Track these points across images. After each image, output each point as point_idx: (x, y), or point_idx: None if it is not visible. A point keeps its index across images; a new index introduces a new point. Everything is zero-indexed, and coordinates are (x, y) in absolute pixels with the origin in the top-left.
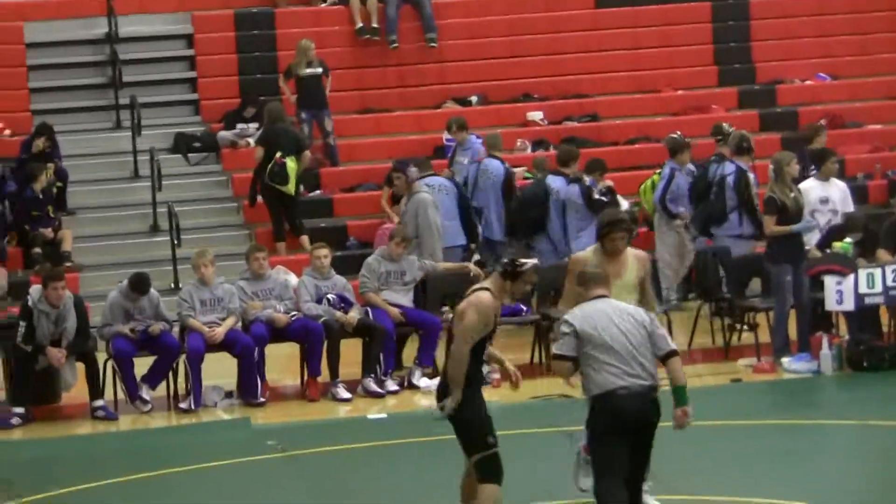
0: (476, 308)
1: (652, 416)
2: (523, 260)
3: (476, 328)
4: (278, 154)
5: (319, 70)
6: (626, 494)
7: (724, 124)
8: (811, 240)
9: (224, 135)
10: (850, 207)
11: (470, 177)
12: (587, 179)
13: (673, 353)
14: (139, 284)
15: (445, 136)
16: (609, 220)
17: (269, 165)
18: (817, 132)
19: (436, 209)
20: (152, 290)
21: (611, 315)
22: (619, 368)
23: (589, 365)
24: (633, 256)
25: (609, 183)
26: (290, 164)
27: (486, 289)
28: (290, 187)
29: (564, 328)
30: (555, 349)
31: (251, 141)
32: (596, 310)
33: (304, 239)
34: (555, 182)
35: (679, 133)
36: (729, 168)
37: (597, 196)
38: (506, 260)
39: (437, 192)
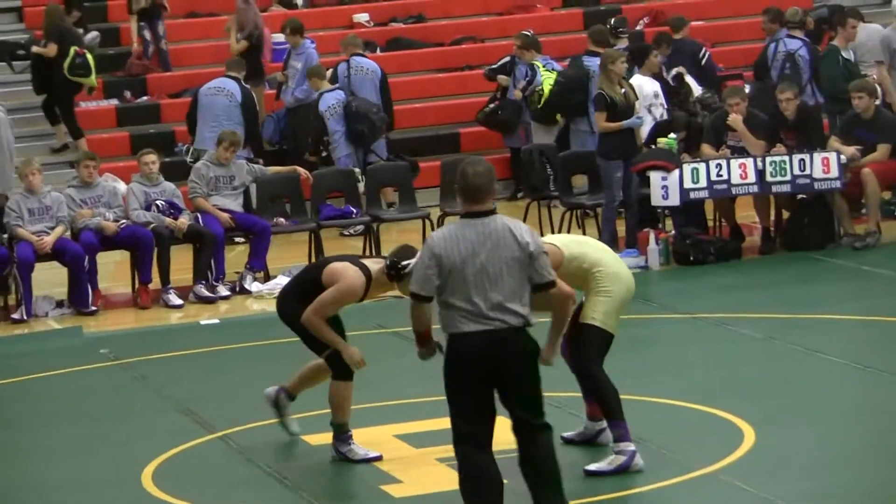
0: (338, 289)
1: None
2: (406, 262)
3: (329, 306)
4: (77, 48)
5: None
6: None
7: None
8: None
9: None
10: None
11: (340, 75)
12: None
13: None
14: None
15: (276, 38)
16: None
17: (71, 59)
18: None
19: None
20: None
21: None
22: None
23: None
24: None
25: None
26: (90, 56)
27: (366, 271)
28: (93, 79)
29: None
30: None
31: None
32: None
33: (83, 142)
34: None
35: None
36: None
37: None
38: (389, 262)
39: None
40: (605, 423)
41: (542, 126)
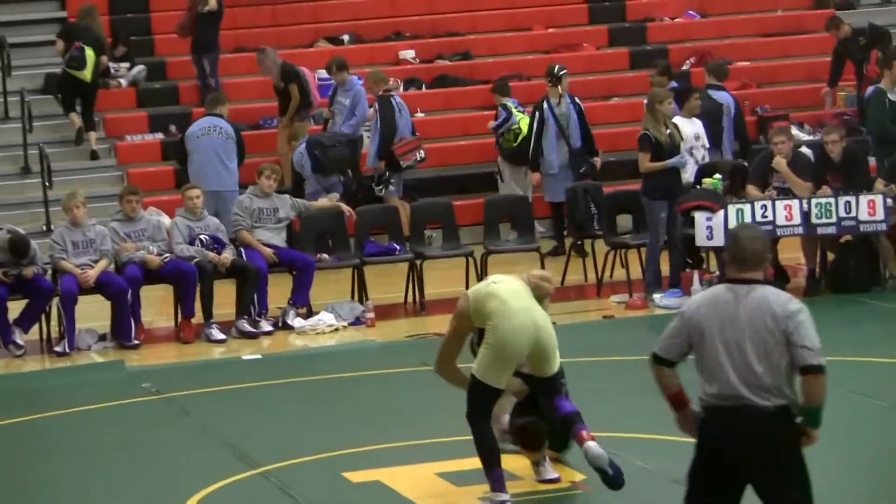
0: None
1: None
2: None
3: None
4: (76, 42)
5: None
6: None
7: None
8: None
9: None
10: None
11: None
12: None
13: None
14: (18, 247)
15: (321, 74)
16: None
17: (69, 52)
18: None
19: None
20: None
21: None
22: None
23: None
24: None
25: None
26: (90, 52)
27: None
28: (87, 73)
29: None
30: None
31: (123, 81)
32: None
33: (93, 135)
34: (722, 97)
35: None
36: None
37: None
38: None
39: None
40: (589, 444)
41: (512, 166)
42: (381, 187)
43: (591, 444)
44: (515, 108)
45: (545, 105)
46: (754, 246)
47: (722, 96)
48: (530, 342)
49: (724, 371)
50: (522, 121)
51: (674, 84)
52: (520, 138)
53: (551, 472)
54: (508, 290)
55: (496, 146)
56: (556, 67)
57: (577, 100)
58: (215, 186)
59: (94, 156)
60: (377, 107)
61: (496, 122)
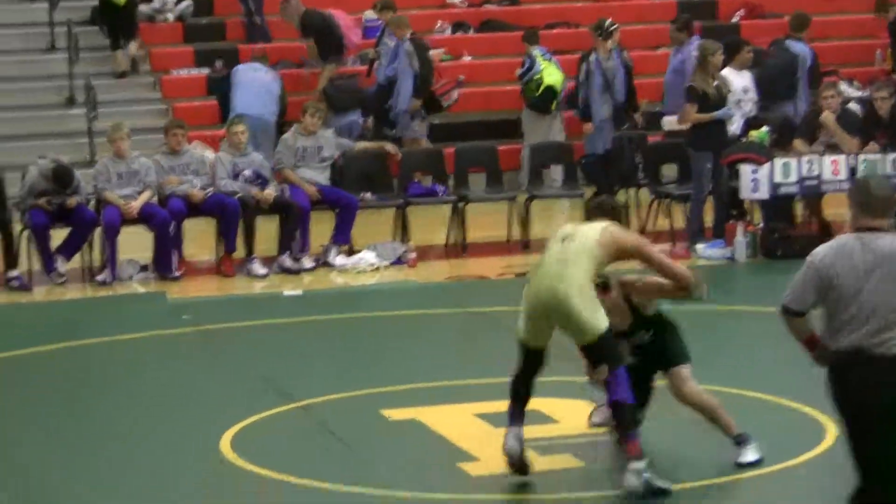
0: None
1: None
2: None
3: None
4: None
5: None
6: None
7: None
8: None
9: (142, 9)
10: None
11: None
12: None
13: None
14: (62, 176)
15: (367, 15)
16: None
17: None
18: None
19: None
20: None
21: None
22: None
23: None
24: None
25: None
26: None
27: None
28: None
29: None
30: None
31: (170, 16)
32: None
33: (132, 45)
34: (799, 48)
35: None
36: None
37: None
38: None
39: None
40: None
41: (535, 114)
42: (400, 128)
43: (629, 476)
44: (542, 56)
45: (593, 58)
46: (884, 194)
47: (799, 47)
48: (545, 309)
49: (859, 319)
50: (546, 70)
51: (696, 38)
52: (541, 88)
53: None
54: (556, 245)
55: (521, 95)
56: (607, 22)
57: (625, 54)
58: (260, 111)
59: (133, 66)
60: (411, 49)
61: (521, 71)
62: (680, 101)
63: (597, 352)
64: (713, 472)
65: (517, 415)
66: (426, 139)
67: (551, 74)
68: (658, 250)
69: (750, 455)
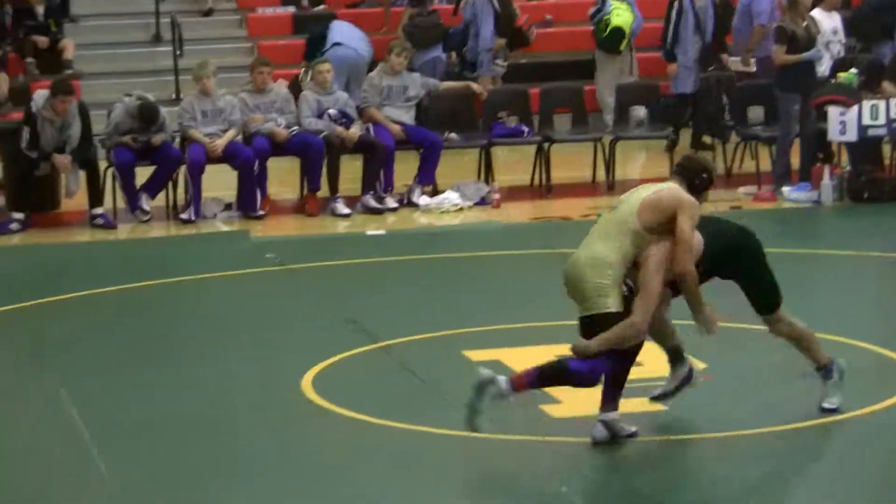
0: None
1: None
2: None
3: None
4: None
5: None
6: None
7: None
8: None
9: None
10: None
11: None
12: None
13: None
14: (148, 114)
15: None
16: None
17: None
18: None
19: None
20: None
21: None
22: None
23: None
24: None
25: None
26: None
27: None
28: None
29: None
30: None
31: None
32: None
33: None
34: None
35: None
36: None
37: None
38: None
39: None
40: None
41: (605, 54)
42: (482, 68)
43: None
44: None
45: None
46: None
47: None
48: (565, 282)
49: None
50: (616, 10)
51: None
52: (609, 28)
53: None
54: (605, 214)
55: (592, 35)
56: None
57: None
58: (356, 45)
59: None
60: None
61: (592, 10)
62: (746, 43)
63: (590, 328)
64: (798, 417)
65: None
66: (500, 80)
67: (620, 15)
68: (691, 232)
69: (834, 401)
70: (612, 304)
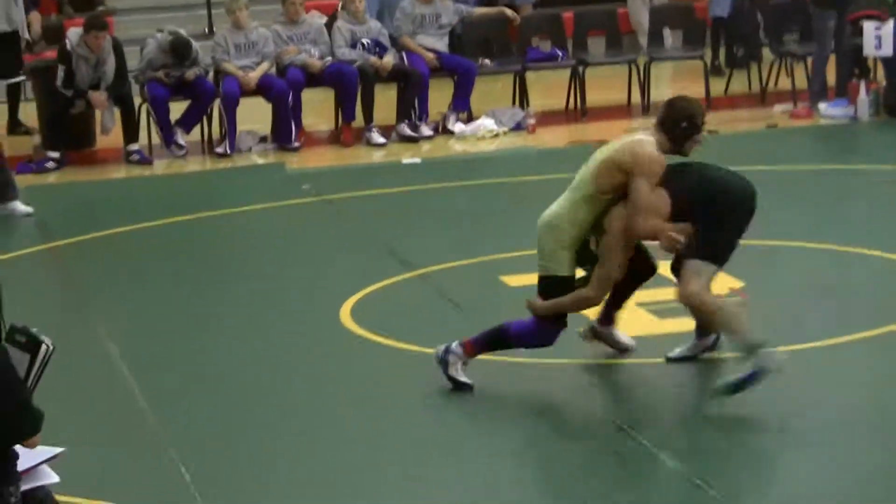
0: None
1: None
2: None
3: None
4: None
5: None
6: None
7: None
8: None
9: None
10: None
11: None
12: None
13: None
14: (181, 49)
15: None
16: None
17: None
18: None
19: None
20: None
21: None
22: None
23: None
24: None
25: None
26: None
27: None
28: None
29: None
30: None
31: None
32: None
33: None
34: None
35: None
36: None
37: None
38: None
39: None
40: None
41: None
42: None
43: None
44: None
45: None
46: None
47: None
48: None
49: None
50: None
51: None
52: None
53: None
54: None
55: None
56: None
57: None
58: None
59: None
60: None
61: None
62: None
63: (544, 287)
64: (820, 334)
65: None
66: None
67: None
68: (646, 194)
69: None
70: (561, 269)
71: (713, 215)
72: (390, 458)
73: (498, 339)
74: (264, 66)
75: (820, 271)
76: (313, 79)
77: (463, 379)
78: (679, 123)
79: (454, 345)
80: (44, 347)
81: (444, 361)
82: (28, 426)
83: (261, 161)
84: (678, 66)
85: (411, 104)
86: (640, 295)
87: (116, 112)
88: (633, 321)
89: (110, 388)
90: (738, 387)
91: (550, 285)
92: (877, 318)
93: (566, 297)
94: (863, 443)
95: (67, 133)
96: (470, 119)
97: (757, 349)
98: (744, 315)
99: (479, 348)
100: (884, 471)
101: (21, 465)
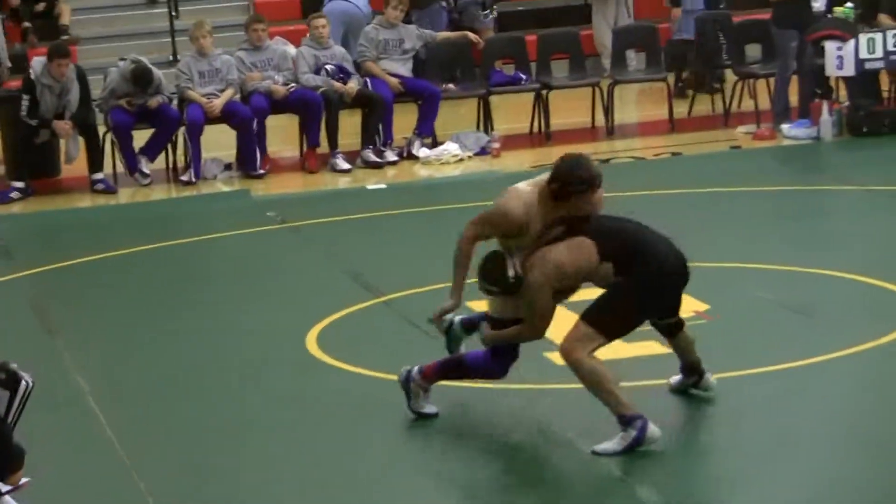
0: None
1: None
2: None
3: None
4: None
5: None
6: None
7: None
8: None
9: None
10: None
11: None
12: None
13: None
14: (142, 77)
15: None
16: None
17: None
18: None
19: None
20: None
21: None
22: None
23: None
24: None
25: None
26: None
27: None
28: None
29: None
30: None
31: None
32: None
33: None
34: None
35: None
36: None
37: None
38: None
39: None
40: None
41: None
42: (487, 12)
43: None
44: None
45: None
46: None
47: None
48: None
49: None
50: None
51: None
52: None
53: None
54: None
55: None
56: None
57: None
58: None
59: None
60: None
61: None
62: None
63: (489, 319)
64: (797, 355)
65: None
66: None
67: None
68: (469, 241)
69: (611, 445)
70: (491, 308)
71: (623, 282)
72: (359, 483)
73: (454, 369)
74: (228, 92)
75: (784, 292)
76: (278, 105)
77: (426, 410)
78: (568, 182)
79: (415, 371)
80: (23, 384)
81: (406, 390)
82: (9, 463)
83: (226, 188)
84: (643, 88)
85: (376, 129)
86: None
87: (81, 141)
88: (563, 323)
89: (74, 414)
90: (616, 454)
91: (491, 318)
92: (842, 339)
93: (508, 330)
94: (835, 462)
95: (32, 163)
96: (435, 144)
97: (631, 421)
98: (617, 388)
99: (437, 376)
100: (856, 486)
101: None
